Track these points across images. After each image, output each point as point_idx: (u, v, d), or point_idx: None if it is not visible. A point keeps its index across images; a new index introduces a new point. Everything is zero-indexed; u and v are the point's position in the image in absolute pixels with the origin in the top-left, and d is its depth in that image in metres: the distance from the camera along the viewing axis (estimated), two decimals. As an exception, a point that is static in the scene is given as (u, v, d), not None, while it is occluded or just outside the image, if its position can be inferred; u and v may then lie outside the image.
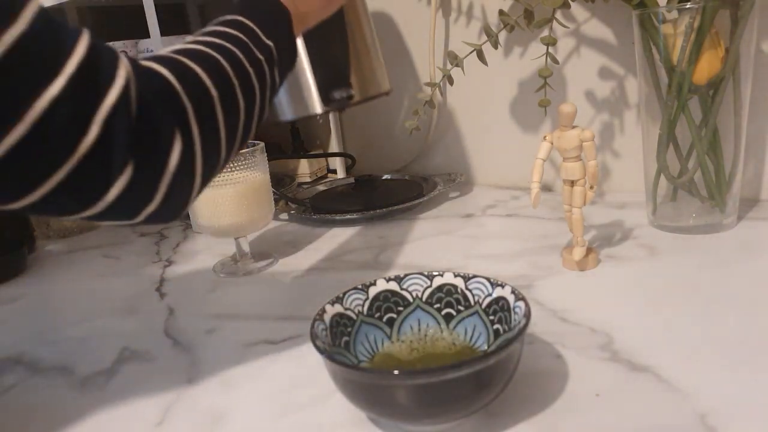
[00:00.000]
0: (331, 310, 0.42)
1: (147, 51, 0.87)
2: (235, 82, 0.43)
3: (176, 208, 0.39)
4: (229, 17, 0.48)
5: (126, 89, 0.34)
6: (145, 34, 0.84)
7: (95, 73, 0.33)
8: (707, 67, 0.59)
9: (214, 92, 0.40)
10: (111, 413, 0.45)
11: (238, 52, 0.44)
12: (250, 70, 0.44)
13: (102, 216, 0.36)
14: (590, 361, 0.44)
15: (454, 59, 0.70)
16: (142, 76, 0.36)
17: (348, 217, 0.81)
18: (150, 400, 0.46)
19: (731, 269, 0.56)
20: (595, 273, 0.59)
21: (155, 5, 0.81)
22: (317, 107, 0.77)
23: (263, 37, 0.47)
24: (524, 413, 0.39)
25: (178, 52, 0.41)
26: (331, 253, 0.72)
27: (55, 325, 0.63)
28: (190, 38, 0.44)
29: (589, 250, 0.60)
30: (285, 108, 0.79)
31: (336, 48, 0.76)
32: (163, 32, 0.83)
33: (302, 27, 0.55)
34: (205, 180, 0.40)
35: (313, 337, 0.38)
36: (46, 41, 0.32)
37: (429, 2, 0.90)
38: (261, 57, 0.46)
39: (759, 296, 0.50)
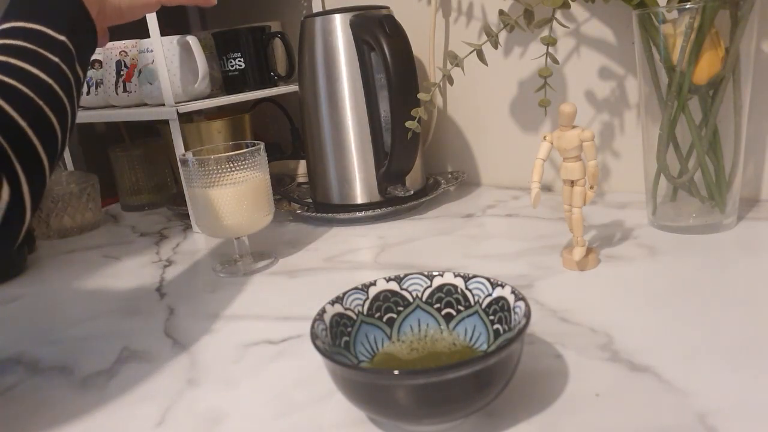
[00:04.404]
0: (331, 310, 0.42)
1: (147, 51, 0.87)
2: (41, 103, 0.42)
3: (11, 239, 0.41)
4: (8, 25, 0.44)
5: None
6: (145, 34, 0.84)
7: None
8: (707, 67, 0.59)
9: (24, 125, 0.40)
10: (111, 413, 0.45)
11: (33, 69, 0.42)
12: (50, 81, 0.43)
13: None
14: (590, 361, 0.44)
15: (454, 59, 0.70)
16: None
17: (348, 216, 0.81)
18: (150, 400, 0.46)
19: (731, 269, 0.56)
20: (595, 273, 0.58)
21: (155, 5, 0.81)
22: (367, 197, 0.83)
23: (54, 34, 0.45)
24: (524, 413, 0.39)
25: None
26: (331, 253, 0.72)
27: (55, 325, 0.63)
28: None
29: (589, 250, 0.60)
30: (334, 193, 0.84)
31: (409, 153, 0.80)
32: (163, 32, 0.83)
33: (103, 19, 0.52)
34: (35, 204, 0.41)
35: (313, 337, 0.38)
36: None
37: (429, 2, 0.90)
38: (56, 59, 0.44)
39: (759, 296, 0.50)
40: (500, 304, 0.42)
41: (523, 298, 0.40)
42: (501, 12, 0.69)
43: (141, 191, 1.06)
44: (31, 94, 0.42)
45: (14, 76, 0.41)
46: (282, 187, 0.99)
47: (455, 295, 0.45)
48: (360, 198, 0.83)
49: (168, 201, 1.00)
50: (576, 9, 0.78)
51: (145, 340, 0.56)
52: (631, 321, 0.49)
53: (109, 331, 0.59)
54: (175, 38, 0.86)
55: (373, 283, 0.45)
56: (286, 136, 1.10)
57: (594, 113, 0.81)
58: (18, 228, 0.41)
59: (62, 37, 0.46)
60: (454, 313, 0.45)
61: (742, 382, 0.40)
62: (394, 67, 0.74)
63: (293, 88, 0.96)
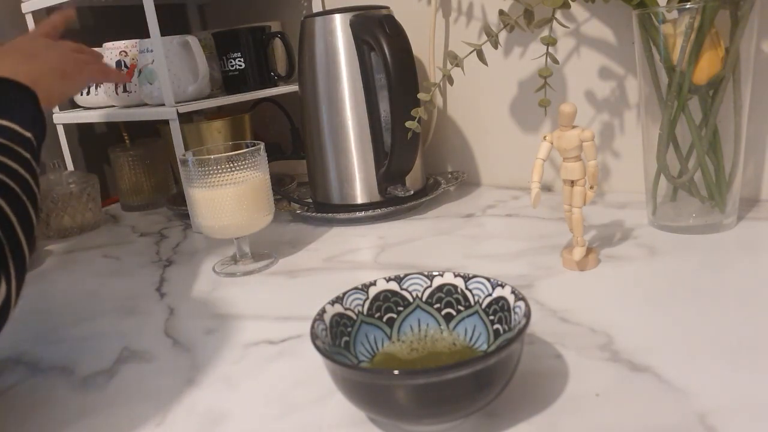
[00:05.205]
0: (331, 310, 0.42)
1: (147, 51, 0.87)
2: (24, 199, 0.44)
3: None
4: None
5: None
6: (145, 34, 0.84)
7: None
8: (707, 67, 0.59)
9: (15, 222, 0.42)
10: (111, 413, 0.45)
11: (14, 165, 0.44)
12: (28, 177, 0.45)
13: None
14: (590, 361, 0.44)
15: (454, 59, 0.70)
16: None
17: (348, 216, 0.81)
18: (150, 400, 0.46)
19: (731, 269, 0.56)
20: (595, 273, 0.58)
21: (155, 5, 0.81)
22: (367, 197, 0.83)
23: (22, 131, 0.47)
24: (524, 413, 0.39)
25: None
26: (331, 253, 0.72)
27: (55, 325, 0.63)
28: None
29: (589, 250, 0.60)
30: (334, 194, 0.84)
31: (409, 153, 0.80)
32: (163, 32, 0.83)
33: (48, 104, 0.55)
34: (17, 300, 0.42)
35: (313, 337, 0.38)
36: None
37: (429, 2, 0.90)
38: (27, 155, 0.47)
39: (759, 296, 0.50)
40: (500, 304, 0.42)
41: (523, 298, 0.40)
42: (501, 12, 0.70)
43: (141, 191, 1.05)
44: (18, 190, 0.43)
45: (2, 171, 0.43)
46: (282, 187, 0.99)
47: (455, 295, 0.45)
48: (360, 198, 0.83)
49: (168, 201, 1.00)
50: (576, 9, 0.78)
51: (145, 340, 0.56)
52: (631, 321, 0.49)
53: (109, 331, 0.59)
54: (175, 38, 0.86)
55: (373, 283, 0.45)
56: (286, 136, 1.10)
57: (594, 113, 0.81)
58: (2, 325, 0.41)
59: (28, 134, 0.48)
60: (454, 313, 0.45)
61: (742, 381, 0.40)
62: (394, 67, 0.74)
63: (293, 88, 0.96)
